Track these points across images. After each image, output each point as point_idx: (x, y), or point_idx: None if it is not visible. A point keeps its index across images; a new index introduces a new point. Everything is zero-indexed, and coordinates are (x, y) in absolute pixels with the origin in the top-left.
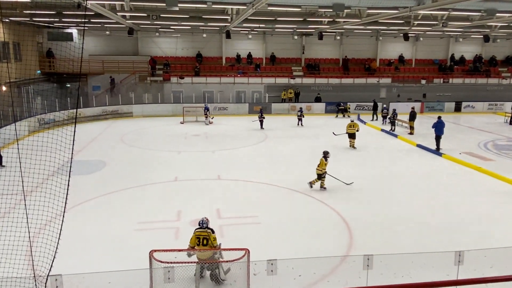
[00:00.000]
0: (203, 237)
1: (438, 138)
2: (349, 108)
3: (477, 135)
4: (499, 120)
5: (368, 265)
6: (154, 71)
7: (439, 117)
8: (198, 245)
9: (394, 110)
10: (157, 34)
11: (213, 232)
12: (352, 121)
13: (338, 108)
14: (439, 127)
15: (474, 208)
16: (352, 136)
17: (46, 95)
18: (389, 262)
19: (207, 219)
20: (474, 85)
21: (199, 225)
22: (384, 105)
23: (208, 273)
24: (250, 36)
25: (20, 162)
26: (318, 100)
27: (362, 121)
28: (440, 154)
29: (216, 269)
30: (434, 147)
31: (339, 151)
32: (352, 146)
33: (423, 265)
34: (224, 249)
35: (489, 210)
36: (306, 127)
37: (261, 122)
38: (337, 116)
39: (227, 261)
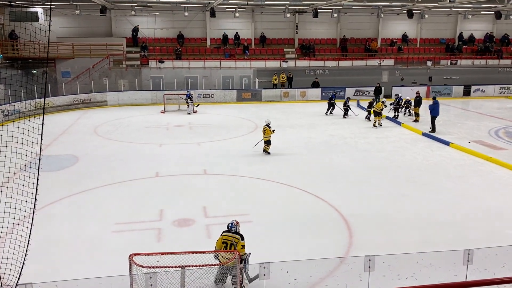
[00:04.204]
0: (230, 243)
1: (434, 119)
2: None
3: (488, 122)
4: (511, 105)
5: (369, 267)
6: (136, 43)
7: (434, 98)
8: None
9: (397, 95)
10: (132, 12)
11: (242, 238)
12: (383, 102)
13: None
14: (436, 108)
15: (484, 202)
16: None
17: (9, 82)
18: (392, 262)
19: (237, 222)
20: (485, 67)
21: (228, 228)
22: (398, 94)
23: (229, 278)
24: (237, 14)
25: None
26: (315, 85)
27: (362, 107)
28: (447, 144)
29: (240, 274)
30: (441, 135)
31: (337, 141)
32: (374, 124)
33: (429, 266)
34: (212, 252)
35: (501, 204)
36: (300, 116)
37: (346, 110)
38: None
39: (214, 265)
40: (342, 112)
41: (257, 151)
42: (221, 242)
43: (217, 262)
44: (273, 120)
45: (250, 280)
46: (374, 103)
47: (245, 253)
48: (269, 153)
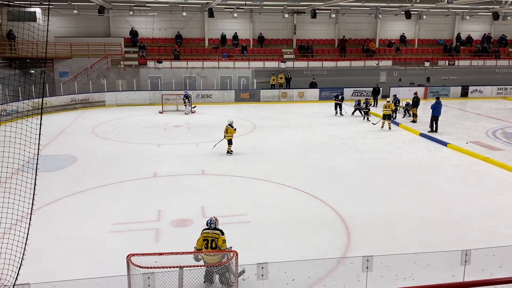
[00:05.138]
0: (211, 239)
1: (436, 120)
2: (370, 104)
3: (485, 123)
4: (509, 105)
5: (367, 267)
6: (134, 43)
7: (437, 98)
8: (206, 248)
9: (395, 96)
10: (131, 12)
11: (222, 233)
12: (387, 101)
13: (359, 108)
14: (438, 108)
15: (481, 202)
16: (387, 117)
17: (7, 82)
18: (390, 263)
19: (216, 219)
20: (482, 68)
21: (207, 225)
22: (396, 95)
23: (217, 277)
24: (235, 15)
25: None
26: (313, 85)
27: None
28: (445, 144)
29: (226, 272)
30: (439, 136)
31: (335, 142)
32: (389, 127)
33: (427, 266)
34: (210, 251)
35: (498, 204)
36: (298, 116)
37: (359, 110)
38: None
39: (212, 265)
40: (351, 111)
41: (255, 151)
42: (202, 240)
43: (198, 263)
44: (271, 121)
45: (239, 274)
46: (373, 103)
47: (226, 247)
48: (231, 152)
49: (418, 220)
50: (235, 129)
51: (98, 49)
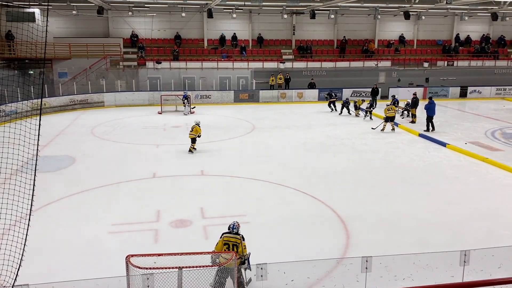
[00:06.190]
0: (233, 244)
1: (430, 119)
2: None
3: (484, 123)
4: (508, 106)
5: (366, 268)
6: (134, 44)
7: (430, 98)
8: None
9: (394, 96)
10: (130, 13)
11: (243, 239)
12: (387, 105)
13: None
14: (432, 108)
15: (480, 202)
16: (391, 119)
17: (6, 83)
18: (390, 263)
19: (238, 224)
20: (481, 68)
21: (229, 229)
22: (395, 95)
23: (230, 282)
24: (234, 15)
25: None
26: (312, 86)
27: (361, 109)
28: (444, 145)
29: (240, 276)
30: (438, 136)
31: (334, 142)
32: (392, 128)
33: (426, 267)
34: (209, 253)
35: (497, 204)
36: (297, 117)
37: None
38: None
39: (212, 266)
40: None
41: (255, 151)
42: (222, 244)
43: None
44: (271, 121)
45: (247, 283)
46: (374, 104)
47: (247, 253)
48: (193, 150)
49: (417, 221)
50: (200, 134)
51: (97, 50)
